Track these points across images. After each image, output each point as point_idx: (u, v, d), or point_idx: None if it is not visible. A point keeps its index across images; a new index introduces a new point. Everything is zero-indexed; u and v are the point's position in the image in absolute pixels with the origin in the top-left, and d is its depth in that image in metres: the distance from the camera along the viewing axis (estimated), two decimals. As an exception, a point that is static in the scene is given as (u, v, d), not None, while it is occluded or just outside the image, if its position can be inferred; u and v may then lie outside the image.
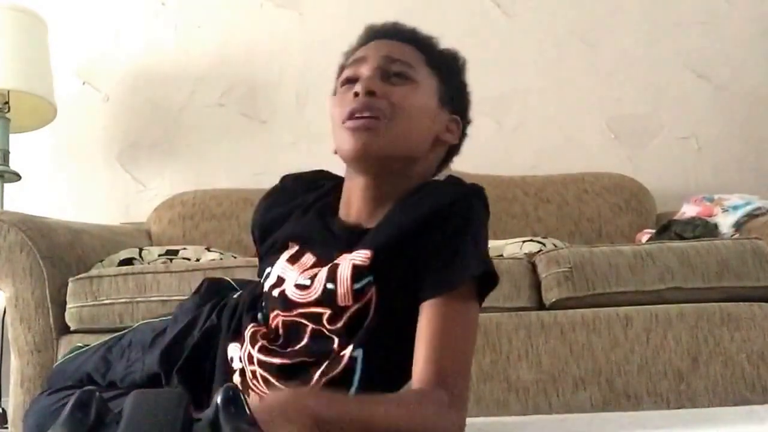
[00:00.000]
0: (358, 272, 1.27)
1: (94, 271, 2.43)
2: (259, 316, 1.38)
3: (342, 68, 1.42)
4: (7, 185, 3.22)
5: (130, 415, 0.73)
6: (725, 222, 2.81)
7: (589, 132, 3.66)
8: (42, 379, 2.32)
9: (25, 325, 2.36)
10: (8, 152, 3.21)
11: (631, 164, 3.59)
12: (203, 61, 3.63)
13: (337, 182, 1.44)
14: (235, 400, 0.75)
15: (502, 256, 2.57)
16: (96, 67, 3.67)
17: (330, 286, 1.28)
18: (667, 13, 3.72)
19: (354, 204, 1.38)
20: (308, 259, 1.35)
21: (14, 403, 2.34)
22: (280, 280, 1.35)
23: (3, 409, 2.76)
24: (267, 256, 1.44)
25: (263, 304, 1.38)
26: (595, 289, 2.29)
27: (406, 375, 1.30)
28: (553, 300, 2.30)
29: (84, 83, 3.67)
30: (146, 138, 3.64)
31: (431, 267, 1.28)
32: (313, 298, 1.30)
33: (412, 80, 1.34)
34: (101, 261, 2.56)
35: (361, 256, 1.28)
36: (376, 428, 1.10)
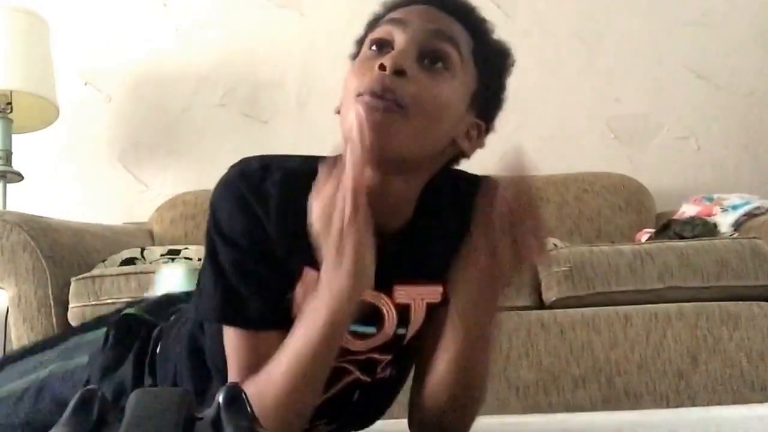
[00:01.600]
0: (431, 311, 1.15)
1: (96, 271, 2.43)
2: None
3: (374, 22, 1.14)
4: (9, 185, 3.23)
5: (132, 414, 0.73)
6: (724, 221, 2.81)
7: (589, 132, 3.66)
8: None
9: (28, 324, 2.36)
10: (11, 152, 3.22)
11: (631, 164, 3.59)
12: (205, 62, 3.63)
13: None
14: (236, 399, 0.75)
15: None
16: (98, 68, 3.67)
17: (401, 330, 1.15)
18: (666, 14, 3.72)
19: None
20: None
21: (17, 403, 2.35)
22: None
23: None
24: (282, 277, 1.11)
25: None
26: (595, 288, 2.30)
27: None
28: (553, 299, 2.31)
29: (86, 84, 3.67)
30: (148, 138, 3.64)
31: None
32: (374, 345, 1.14)
33: (451, 71, 1.06)
34: (103, 261, 2.57)
35: (434, 293, 1.15)
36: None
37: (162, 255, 2.66)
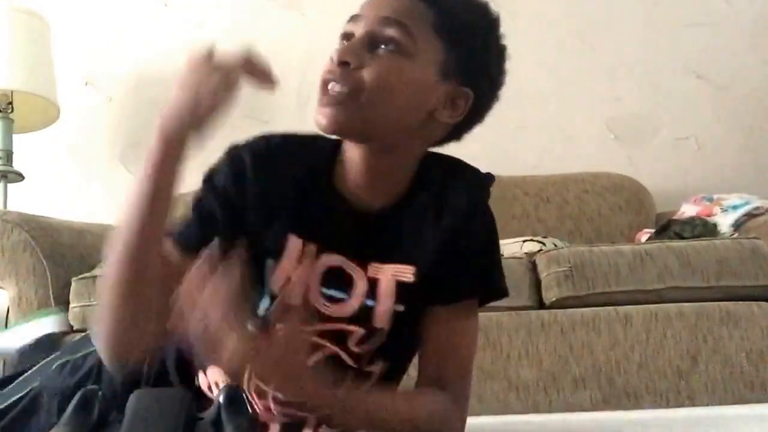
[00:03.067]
0: (402, 290, 1.18)
1: (97, 271, 2.42)
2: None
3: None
4: (10, 185, 3.23)
5: (133, 414, 0.73)
6: (724, 221, 2.81)
7: (589, 132, 3.66)
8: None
9: (29, 324, 2.37)
10: (12, 152, 3.22)
11: (631, 164, 3.59)
12: (205, 62, 3.63)
13: (332, 146, 1.25)
14: (236, 399, 0.76)
15: (502, 255, 2.57)
16: (99, 68, 3.67)
17: (369, 302, 1.18)
18: (666, 14, 3.72)
19: (352, 173, 1.21)
20: (332, 260, 1.19)
21: (18, 402, 2.35)
22: (287, 281, 1.18)
23: (7, 408, 2.76)
24: (258, 237, 1.19)
25: (268, 308, 1.19)
26: (595, 288, 2.30)
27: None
28: (554, 299, 2.31)
29: (87, 84, 3.67)
30: (149, 138, 3.62)
31: (449, 277, 1.21)
32: (346, 314, 1.18)
33: (404, 51, 1.12)
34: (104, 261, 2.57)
35: (404, 272, 1.19)
36: (381, 419, 1.11)
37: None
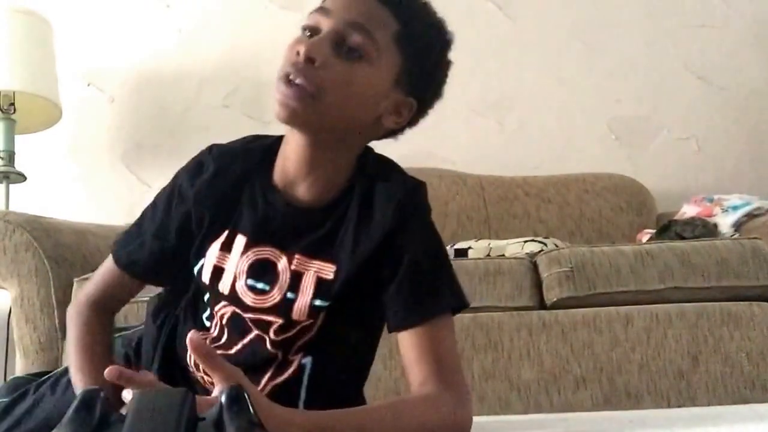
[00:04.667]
0: (321, 287, 1.21)
1: (99, 271, 2.44)
2: (205, 318, 1.31)
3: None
4: (12, 186, 3.23)
5: (135, 414, 0.73)
6: (725, 222, 2.82)
7: (590, 133, 3.67)
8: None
9: (31, 325, 2.37)
10: (14, 153, 3.22)
11: (632, 165, 3.60)
12: (208, 63, 3.64)
13: (270, 144, 1.31)
14: (238, 399, 0.76)
15: (503, 255, 2.58)
16: (101, 69, 3.68)
17: (290, 295, 1.22)
18: (667, 16, 3.73)
19: (290, 164, 1.25)
20: (260, 252, 1.24)
21: (20, 402, 2.35)
22: (218, 271, 1.25)
23: (9, 408, 2.77)
24: (195, 240, 1.28)
25: (205, 300, 1.30)
26: (596, 288, 2.30)
27: (358, 377, 1.33)
28: (555, 299, 2.31)
29: (89, 85, 3.68)
30: (151, 139, 3.65)
31: (407, 294, 1.22)
32: (268, 305, 1.23)
33: (367, 58, 1.15)
34: (106, 261, 2.57)
35: (326, 269, 1.22)
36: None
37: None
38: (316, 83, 1.13)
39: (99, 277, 1.39)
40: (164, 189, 1.34)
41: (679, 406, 2.18)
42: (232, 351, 1.25)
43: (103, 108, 3.67)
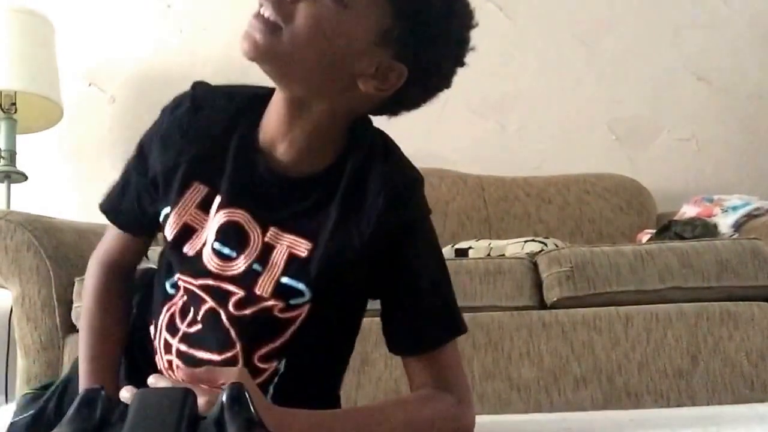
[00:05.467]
0: (292, 264, 1.13)
1: (100, 271, 2.44)
2: (168, 285, 1.23)
3: None
4: (13, 185, 3.24)
5: (136, 413, 0.73)
6: (724, 222, 2.82)
7: (590, 133, 3.68)
8: (48, 378, 2.34)
9: (32, 324, 2.37)
10: (15, 153, 3.23)
11: (632, 165, 3.61)
12: (209, 63, 3.63)
13: (262, 96, 1.20)
14: (239, 398, 0.76)
15: (504, 255, 2.58)
16: (102, 69, 3.69)
17: (257, 267, 1.14)
18: (667, 16, 3.73)
19: (272, 122, 1.16)
20: (233, 214, 1.16)
21: (21, 402, 2.36)
22: (188, 231, 1.17)
23: (10, 407, 2.77)
24: (162, 187, 1.21)
25: (171, 263, 1.21)
26: (596, 288, 2.30)
27: (333, 373, 1.30)
28: (555, 299, 2.31)
29: (90, 85, 3.68)
30: (151, 139, 3.64)
31: (411, 321, 1.17)
32: (230, 273, 1.15)
33: (342, 1, 1.05)
34: (107, 261, 2.58)
35: (300, 246, 1.14)
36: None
37: (165, 255, 2.66)
38: (283, 16, 1.05)
39: (106, 232, 1.36)
40: (148, 130, 1.27)
41: (679, 406, 2.18)
42: (193, 330, 1.19)
43: (104, 108, 3.68)
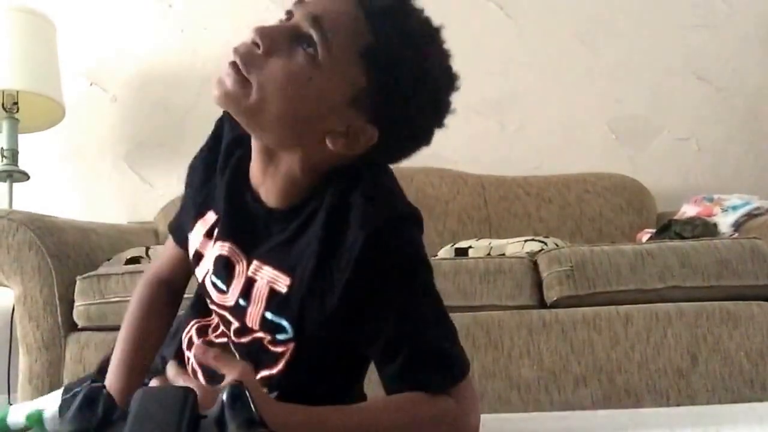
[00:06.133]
0: (273, 298, 1.13)
1: (101, 270, 2.44)
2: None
3: None
4: (15, 185, 3.24)
5: (137, 412, 0.73)
6: (724, 222, 2.82)
7: (590, 133, 3.68)
8: (50, 376, 2.35)
9: (34, 322, 2.38)
10: (17, 152, 3.23)
11: (632, 165, 3.61)
12: (210, 63, 3.63)
13: None
14: (240, 397, 0.76)
15: (504, 255, 2.58)
16: (104, 68, 3.69)
17: (242, 302, 1.16)
18: (667, 16, 3.73)
19: (253, 167, 1.18)
20: (223, 247, 1.18)
21: (23, 400, 2.35)
22: (198, 257, 1.24)
23: (12, 405, 2.77)
24: (186, 212, 1.29)
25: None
26: (596, 287, 2.30)
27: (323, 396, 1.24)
28: (555, 298, 2.32)
29: (92, 84, 3.69)
30: (153, 138, 3.66)
31: (404, 371, 1.10)
32: (227, 304, 1.19)
33: (317, 60, 1.04)
34: (108, 259, 2.58)
35: (280, 281, 1.13)
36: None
37: (166, 254, 2.67)
38: (251, 69, 1.04)
39: (163, 248, 1.43)
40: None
41: (679, 405, 2.18)
42: (217, 340, 1.25)
43: (105, 107, 3.68)
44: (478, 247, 2.71)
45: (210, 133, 1.30)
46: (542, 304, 2.35)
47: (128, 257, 2.61)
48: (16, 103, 3.20)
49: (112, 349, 1.33)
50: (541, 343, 2.25)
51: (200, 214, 1.23)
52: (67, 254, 2.45)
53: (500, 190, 3.32)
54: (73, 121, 3.43)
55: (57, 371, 2.35)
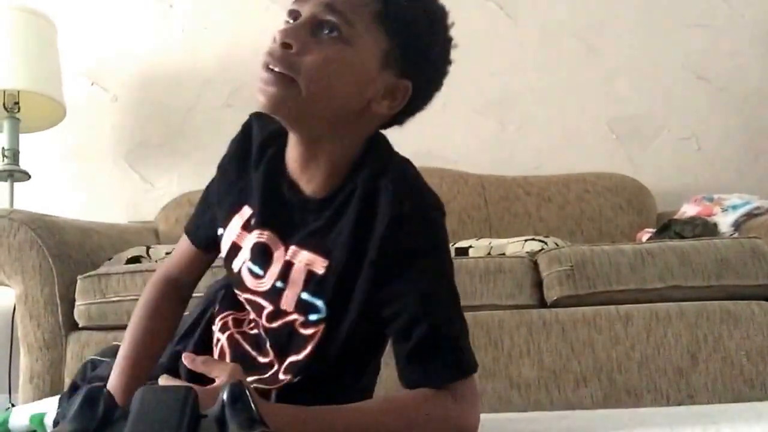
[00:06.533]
0: (311, 280, 1.19)
1: (102, 269, 2.44)
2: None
3: None
4: (17, 184, 3.25)
5: (138, 411, 0.73)
6: (724, 221, 2.82)
7: (590, 133, 3.68)
8: (50, 376, 2.35)
9: (35, 322, 2.38)
10: (18, 152, 3.24)
11: (632, 164, 3.61)
12: (211, 62, 3.64)
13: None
14: (240, 396, 0.76)
15: (504, 254, 2.58)
16: (104, 68, 3.69)
17: (279, 284, 1.22)
18: (667, 16, 3.73)
19: (291, 161, 1.25)
20: (261, 235, 1.25)
21: (23, 399, 2.36)
22: (236, 249, 1.28)
23: (13, 404, 2.78)
24: (219, 209, 1.33)
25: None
26: (596, 287, 2.30)
27: (345, 394, 1.27)
28: (555, 298, 2.32)
29: (93, 84, 3.69)
30: (154, 138, 3.66)
31: (421, 361, 1.14)
32: (261, 289, 1.25)
33: (345, 39, 1.12)
34: (109, 259, 2.58)
35: (317, 263, 1.19)
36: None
37: (167, 253, 2.67)
38: (294, 68, 1.10)
39: (175, 249, 1.46)
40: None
41: (679, 405, 2.18)
42: (249, 331, 1.31)
43: (106, 107, 3.68)
44: (478, 246, 2.71)
45: (237, 134, 1.35)
46: (542, 303, 2.35)
47: (129, 257, 2.61)
48: (17, 103, 3.21)
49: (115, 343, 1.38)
50: (541, 342, 2.25)
51: (236, 209, 1.28)
52: (68, 254, 2.45)
53: (500, 190, 3.32)
54: (73, 120, 3.43)
55: (58, 371, 2.35)
